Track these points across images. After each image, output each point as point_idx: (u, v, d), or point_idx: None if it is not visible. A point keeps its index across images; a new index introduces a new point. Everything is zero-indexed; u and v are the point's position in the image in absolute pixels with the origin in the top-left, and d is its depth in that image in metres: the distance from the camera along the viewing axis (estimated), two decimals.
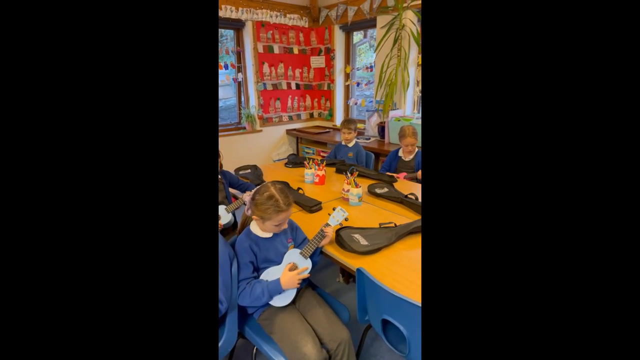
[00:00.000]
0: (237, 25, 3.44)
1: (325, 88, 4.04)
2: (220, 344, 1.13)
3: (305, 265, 1.22)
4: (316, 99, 4.20)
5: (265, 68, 3.66)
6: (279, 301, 1.17)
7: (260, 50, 3.56)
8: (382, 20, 3.13)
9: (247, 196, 1.26)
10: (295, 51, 3.89)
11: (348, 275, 2.08)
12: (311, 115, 4.27)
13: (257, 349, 1.22)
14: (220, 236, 1.16)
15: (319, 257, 1.31)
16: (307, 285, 1.34)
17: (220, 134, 3.50)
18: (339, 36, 3.77)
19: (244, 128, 3.74)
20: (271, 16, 3.54)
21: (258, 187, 1.22)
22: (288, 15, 3.67)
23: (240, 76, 3.62)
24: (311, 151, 3.93)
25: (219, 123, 3.70)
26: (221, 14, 3.17)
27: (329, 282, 2.09)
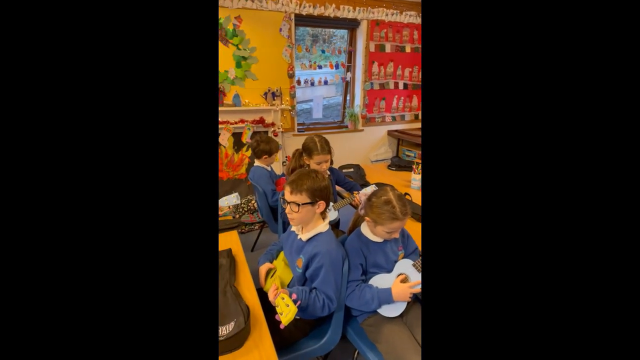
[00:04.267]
0: (351, 25, 3.48)
1: None
2: (323, 342, 1.14)
3: (418, 279, 1.14)
4: None
5: (375, 67, 3.62)
6: (387, 311, 1.12)
7: (372, 49, 3.54)
8: None
9: (362, 195, 1.24)
10: (407, 49, 3.74)
11: None
12: (416, 117, 4.07)
13: (358, 352, 1.19)
14: (333, 234, 1.17)
15: None
16: (414, 299, 1.26)
17: (322, 131, 3.62)
18: None
19: (346, 127, 3.79)
20: (387, 14, 3.47)
21: (377, 189, 1.19)
22: (404, 13, 3.55)
23: (349, 75, 3.67)
24: (412, 154, 3.75)
25: (322, 121, 3.83)
26: (338, 14, 3.24)
27: None
